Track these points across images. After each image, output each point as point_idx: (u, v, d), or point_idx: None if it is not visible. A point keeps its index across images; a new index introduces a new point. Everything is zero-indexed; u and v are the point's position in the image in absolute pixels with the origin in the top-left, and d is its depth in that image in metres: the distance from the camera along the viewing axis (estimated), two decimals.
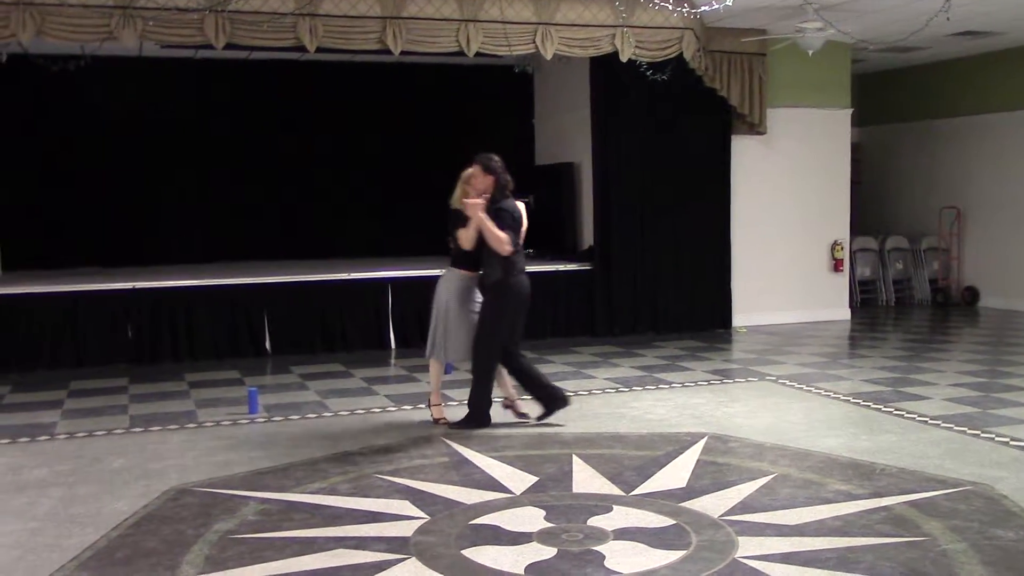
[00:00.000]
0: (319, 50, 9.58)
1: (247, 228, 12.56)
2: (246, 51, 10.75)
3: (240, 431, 6.99)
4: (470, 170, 6.79)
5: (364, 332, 10.56)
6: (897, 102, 14.73)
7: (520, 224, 6.80)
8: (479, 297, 6.86)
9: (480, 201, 6.58)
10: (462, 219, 6.71)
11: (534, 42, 10.10)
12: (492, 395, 6.94)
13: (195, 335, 10.00)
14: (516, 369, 6.97)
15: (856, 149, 13.41)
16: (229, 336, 10.15)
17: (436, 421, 7.02)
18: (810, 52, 10.15)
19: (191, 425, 7.19)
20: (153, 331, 9.89)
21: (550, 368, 9.05)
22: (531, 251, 11.53)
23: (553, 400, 6.97)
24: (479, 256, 6.77)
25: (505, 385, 7.05)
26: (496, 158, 6.81)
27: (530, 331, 8.01)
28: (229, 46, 9.34)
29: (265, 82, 12.41)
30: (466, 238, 6.66)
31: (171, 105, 12.04)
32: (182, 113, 12.14)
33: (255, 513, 5.10)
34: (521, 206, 6.85)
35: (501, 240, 6.55)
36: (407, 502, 5.23)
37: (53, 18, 8.73)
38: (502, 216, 6.61)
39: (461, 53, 9.98)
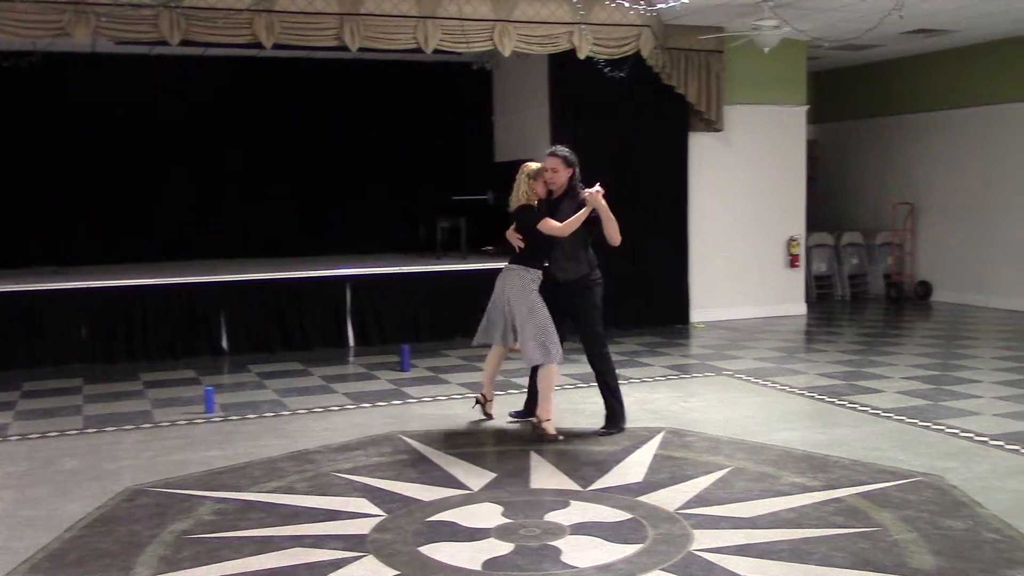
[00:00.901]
0: (275, 47, 9.51)
1: (202, 226, 12.36)
2: (201, 48, 10.64)
3: (196, 431, 6.93)
4: (535, 166, 6.56)
5: (323, 330, 10.50)
6: (852, 99, 14.92)
7: None
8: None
9: (601, 190, 6.46)
10: (534, 216, 6.48)
11: (492, 39, 10.11)
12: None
13: (150, 334, 9.88)
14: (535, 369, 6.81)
15: (812, 146, 13.59)
16: (185, 335, 10.04)
17: (545, 435, 6.42)
18: (766, 49, 10.26)
19: (147, 425, 7.11)
20: (108, 331, 9.76)
21: (510, 364, 9.01)
22: (491, 248, 11.58)
23: (531, 414, 6.89)
24: (539, 254, 6.62)
25: (488, 383, 6.97)
26: (567, 149, 6.71)
27: None
28: (184, 43, 9.25)
29: (220, 80, 12.26)
30: (567, 228, 6.39)
31: (125, 103, 11.86)
32: (136, 111, 11.94)
33: (211, 513, 5.06)
34: None
35: (617, 230, 6.54)
36: (364, 500, 5.22)
37: (4, 14, 8.58)
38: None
39: (419, 50, 9.96)
